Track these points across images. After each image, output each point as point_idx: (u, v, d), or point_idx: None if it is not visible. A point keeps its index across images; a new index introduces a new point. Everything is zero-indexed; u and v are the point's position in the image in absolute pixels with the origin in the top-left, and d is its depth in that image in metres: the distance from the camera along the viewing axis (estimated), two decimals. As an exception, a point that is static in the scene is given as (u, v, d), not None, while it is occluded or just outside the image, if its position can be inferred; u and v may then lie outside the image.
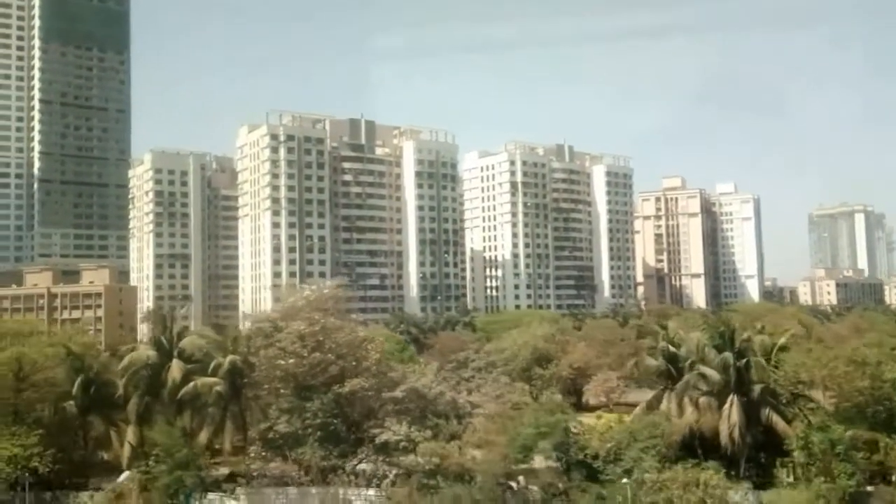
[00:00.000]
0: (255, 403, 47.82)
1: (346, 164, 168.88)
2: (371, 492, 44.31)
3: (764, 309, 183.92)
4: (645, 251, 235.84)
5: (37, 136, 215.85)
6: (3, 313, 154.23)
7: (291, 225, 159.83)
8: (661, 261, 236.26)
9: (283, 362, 46.47)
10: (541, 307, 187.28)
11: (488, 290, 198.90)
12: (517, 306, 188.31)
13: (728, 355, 43.03)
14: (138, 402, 46.93)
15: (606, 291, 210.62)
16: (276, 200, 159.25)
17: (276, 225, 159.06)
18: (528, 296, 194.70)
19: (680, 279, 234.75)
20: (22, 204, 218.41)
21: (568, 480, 42.25)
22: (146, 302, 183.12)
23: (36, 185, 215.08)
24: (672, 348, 47.81)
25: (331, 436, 44.55)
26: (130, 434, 46.95)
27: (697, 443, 42.90)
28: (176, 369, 46.68)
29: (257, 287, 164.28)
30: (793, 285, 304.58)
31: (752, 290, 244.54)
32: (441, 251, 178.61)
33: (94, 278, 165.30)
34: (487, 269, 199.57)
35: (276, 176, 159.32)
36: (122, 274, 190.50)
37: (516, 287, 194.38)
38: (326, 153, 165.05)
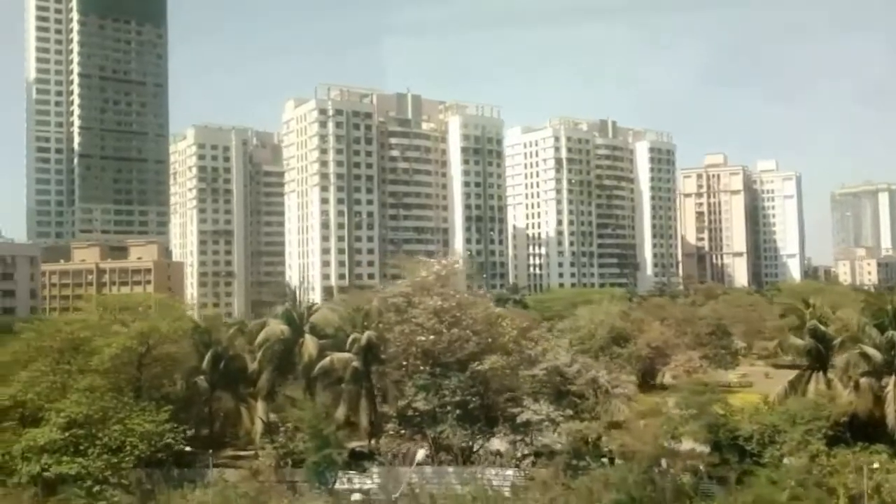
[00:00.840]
0: (389, 380, 46.86)
1: (393, 140, 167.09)
2: (510, 472, 43.26)
3: (811, 288, 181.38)
4: (686, 229, 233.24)
5: (76, 111, 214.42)
6: (52, 288, 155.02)
7: (340, 201, 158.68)
8: (702, 239, 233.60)
9: (423, 338, 45.37)
10: (584, 285, 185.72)
11: (531, 268, 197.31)
12: (561, 284, 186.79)
13: (893, 334, 41.45)
14: (270, 377, 46.00)
15: (649, 270, 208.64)
16: (324, 176, 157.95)
17: (324, 201, 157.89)
18: (573, 274, 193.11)
19: (721, 258, 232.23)
20: (62, 179, 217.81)
21: (720, 462, 40.98)
22: (191, 278, 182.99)
23: (76, 160, 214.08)
24: (821, 327, 46.22)
25: (468, 414, 43.52)
26: (261, 410, 46.13)
27: (853, 425, 41.43)
28: (310, 344, 45.65)
29: (305, 263, 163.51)
30: (825, 264, 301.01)
31: (794, 270, 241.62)
32: (487, 228, 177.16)
33: (142, 254, 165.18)
34: (530, 247, 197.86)
35: (324, 151, 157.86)
36: (164, 250, 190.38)
37: (560, 265, 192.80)
38: (374, 128, 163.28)
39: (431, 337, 45.33)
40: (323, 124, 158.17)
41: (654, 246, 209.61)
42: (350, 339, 45.96)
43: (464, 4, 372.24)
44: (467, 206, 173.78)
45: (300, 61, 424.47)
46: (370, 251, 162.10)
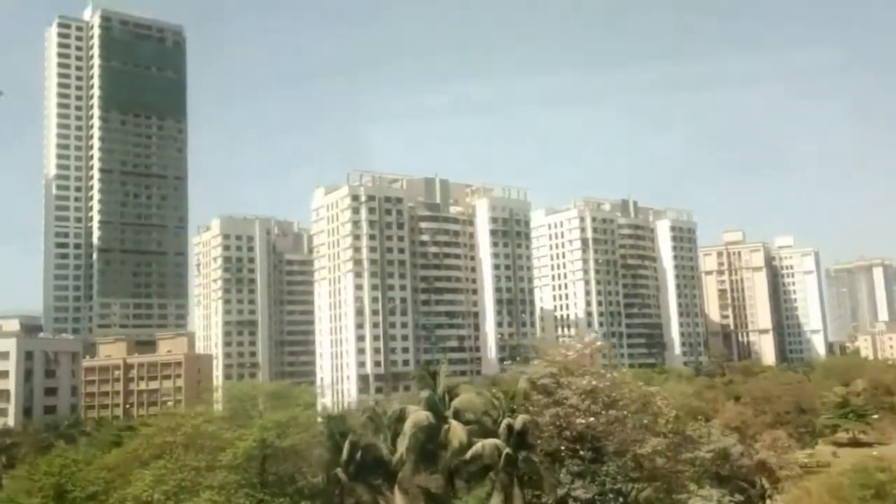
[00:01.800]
0: (542, 467, 44.11)
1: (423, 224, 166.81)
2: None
3: (847, 363, 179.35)
4: (709, 307, 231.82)
5: (96, 206, 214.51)
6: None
7: (374, 286, 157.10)
8: (727, 316, 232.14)
9: (581, 421, 42.95)
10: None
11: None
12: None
13: None
14: (413, 467, 43.21)
15: (677, 349, 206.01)
16: (358, 262, 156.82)
17: (358, 287, 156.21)
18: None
19: (747, 335, 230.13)
20: (80, 274, 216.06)
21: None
22: (216, 370, 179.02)
23: (95, 255, 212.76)
24: None
25: (631, 502, 40.77)
26: (400, 503, 43.14)
27: None
28: (458, 431, 42.92)
29: (338, 351, 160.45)
30: (837, 340, 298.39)
31: (818, 345, 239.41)
32: (518, 311, 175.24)
33: (171, 347, 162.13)
34: (559, 329, 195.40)
35: (357, 237, 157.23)
36: (192, 342, 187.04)
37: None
38: (405, 213, 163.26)
39: (590, 419, 42.98)
40: (356, 210, 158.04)
41: (682, 325, 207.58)
42: (503, 424, 43.40)
43: (474, 89, 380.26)
44: (497, 289, 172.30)
45: (315, 148, 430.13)
46: (405, 337, 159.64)
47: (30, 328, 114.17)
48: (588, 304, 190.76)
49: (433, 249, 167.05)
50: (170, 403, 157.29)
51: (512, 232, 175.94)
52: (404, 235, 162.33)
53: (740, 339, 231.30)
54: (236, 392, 55.54)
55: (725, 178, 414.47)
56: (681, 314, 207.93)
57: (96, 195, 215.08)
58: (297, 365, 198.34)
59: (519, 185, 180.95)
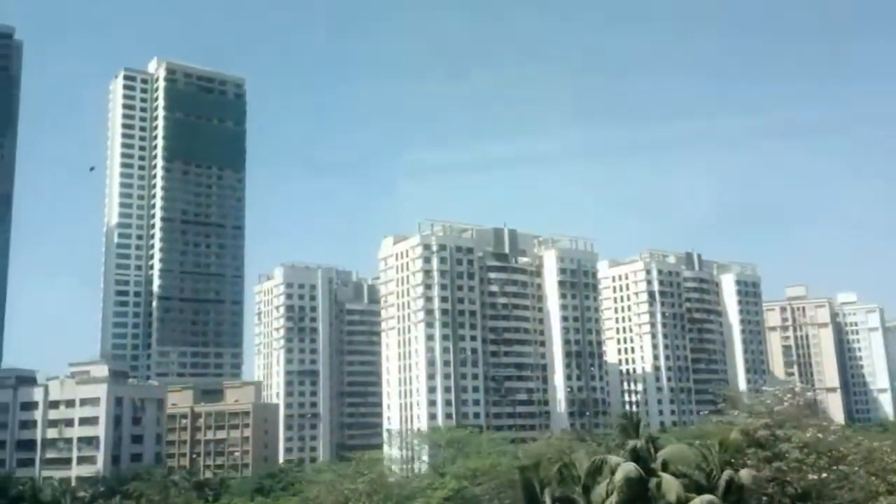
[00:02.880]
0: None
1: (492, 275, 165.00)
2: None
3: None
4: (773, 363, 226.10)
5: (157, 254, 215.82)
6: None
7: (445, 337, 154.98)
8: (791, 374, 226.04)
9: (814, 477, 40.25)
10: (684, 423, 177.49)
11: (627, 406, 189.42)
12: (661, 422, 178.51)
13: None
14: (620, 523, 40.57)
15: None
16: (429, 312, 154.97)
17: (430, 337, 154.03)
18: (672, 411, 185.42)
19: (814, 393, 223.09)
20: (139, 322, 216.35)
21: None
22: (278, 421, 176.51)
23: (155, 303, 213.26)
24: None
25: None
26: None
27: None
28: (673, 485, 40.34)
29: (407, 403, 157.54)
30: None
31: (885, 405, 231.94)
32: (587, 364, 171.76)
33: (238, 396, 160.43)
34: (624, 383, 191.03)
35: (429, 287, 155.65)
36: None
37: (660, 402, 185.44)
38: (476, 263, 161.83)
39: (813, 476, 40.22)
40: (427, 260, 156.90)
41: (749, 381, 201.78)
42: (723, 479, 40.78)
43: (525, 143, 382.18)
44: (566, 342, 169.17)
45: (371, 199, 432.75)
46: (475, 388, 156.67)
47: (117, 374, 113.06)
48: (656, 357, 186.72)
49: (502, 300, 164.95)
50: (237, 454, 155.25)
51: (580, 283, 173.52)
52: (475, 286, 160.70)
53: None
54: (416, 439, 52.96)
55: (775, 234, 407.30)
56: (748, 370, 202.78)
57: (157, 244, 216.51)
58: (356, 416, 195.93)
59: (584, 235, 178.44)
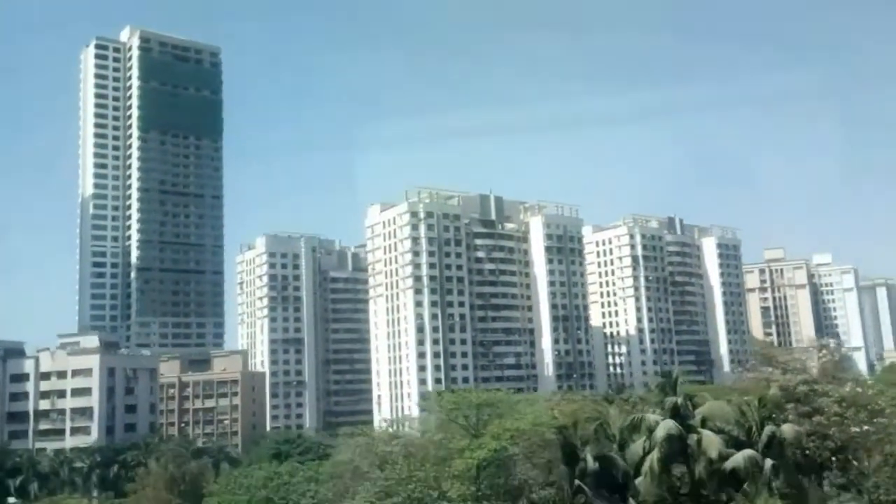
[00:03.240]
0: (803, 479, 41.47)
1: (479, 241, 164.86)
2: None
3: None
4: (752, 324, 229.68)
5: (135, 225, 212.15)
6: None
7: (434, 304, 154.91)
8: (770, 334, 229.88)
9: (856, 429, 40.67)
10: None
11: (610, 368, 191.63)
12: (645, 384, 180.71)
13: None
14: (658, 481, 40.39)
15: (726, 366, 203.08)
16: (418, 279, 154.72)
17: (418, 303, 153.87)
18: (656, 372, 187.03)
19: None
20: (117, 293, 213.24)
21: None
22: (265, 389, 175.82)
23: (134, 274, 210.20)
24: None
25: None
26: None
27: None
28: (714, 441, 40.16)
29: (396, 369, 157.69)
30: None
31: (860, 362, 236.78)
32: (574, 328, 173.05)
33: (226, 365, 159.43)
34: (608, 346, 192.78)
35: (417, 254, 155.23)
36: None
37: (643, 363, 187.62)
38: (462, 230, 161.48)
39: (854, 429, 40.75)
40: (415, 227, 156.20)
41: (730, 342, 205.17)
42: (765, 434, 40.80)
43: (503, 112, 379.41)
44: (553, 306, 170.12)
45: (349, 167, 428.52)
46: (464, 354, 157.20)
47: (108, 345, 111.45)
48: (639, 321, 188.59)
49: (489, 266, 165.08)
50: (226, 422, 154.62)
51: (566, 249, 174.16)
52: (462, 252, 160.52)
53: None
54: (448, 401, 52.61)
55: (748, 197, 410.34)
56: (729, 331, 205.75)
57: (135, 214, 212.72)
58: (342, 384, 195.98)
59: (568, 202, 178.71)
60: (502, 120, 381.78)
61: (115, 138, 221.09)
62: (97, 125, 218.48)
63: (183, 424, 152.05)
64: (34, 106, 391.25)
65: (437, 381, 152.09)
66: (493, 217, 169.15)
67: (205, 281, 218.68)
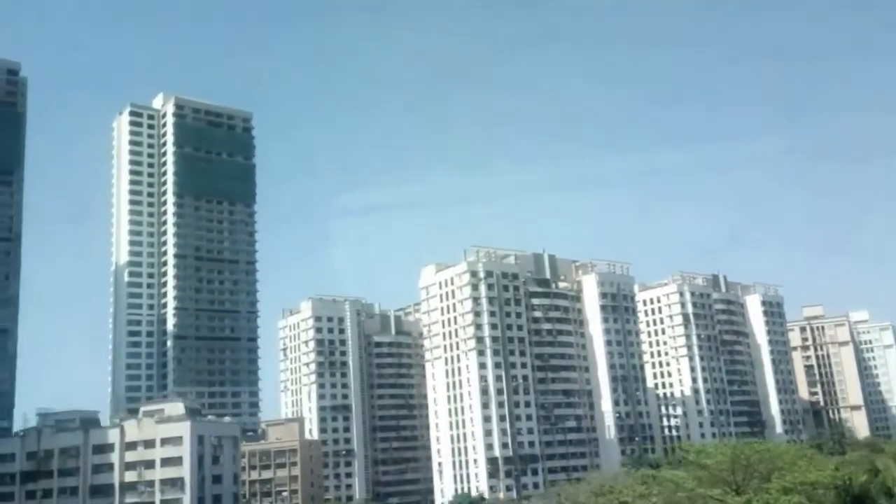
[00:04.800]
0: None
1: (535, 300, 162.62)
2: None
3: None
4: (797, 384, 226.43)
5: (171, 292, 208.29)
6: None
7: (497, 365, 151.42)
8: (815, 392, 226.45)
9: None
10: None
11: (665, 430, 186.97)
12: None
13: None
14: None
15: (778, 427, 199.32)
16: (480, 339, 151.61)
17: (482, 365, 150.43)
18: (713, 434, 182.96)
19: (838, 411, 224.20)
20: (152, 363, 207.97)
21: None
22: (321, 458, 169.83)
23: (170, 343, 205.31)
24: None
25: None
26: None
27: None
28: None
29: (458, 434, 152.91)
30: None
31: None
32: (633, 388, 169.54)
33: (281, 434, 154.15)
34: (661, 407, 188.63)
35: (478, 314, 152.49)
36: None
37: (701, 425, 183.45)
38: (521, 289, 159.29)
39: None
40: (475, 287, 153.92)
41: (781, 402, 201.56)
42: None
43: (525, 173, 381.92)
44: (611, 366, 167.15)
45: (385, 231, 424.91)
46: (528, 417, 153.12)
47: (192, 411, 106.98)
48: (694, 381, 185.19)
49: (546, 326, 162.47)
50: (285, 493, 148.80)
51: (620, 307, 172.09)
52: (522, 312, 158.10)
53: (831, 415, 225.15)
54: (721, 454, 49.05)
55: (780, 254, 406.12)
56: (779, 391, 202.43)
57: (171, 281, 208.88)
58: (389, 451, 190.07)
59: (617, 259, 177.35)
60: (528, 179, 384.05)
61: (150, 204, 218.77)
62: (132, 192, 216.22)
63: (242, 497, 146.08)
64: (66, 173, 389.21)
65: (504, 445, 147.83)
66: (548, 276, 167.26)
67: (240, 348, 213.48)
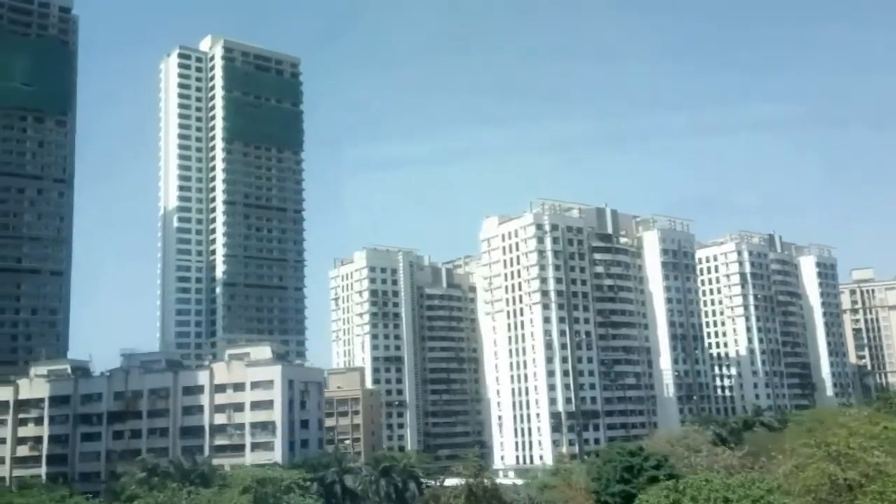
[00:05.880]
0: None
1: (597, 256, 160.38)
2: None
3: None
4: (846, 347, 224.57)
5: (220, 239, 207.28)
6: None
7: (561, 319, 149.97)
8: (863, 356, 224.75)
9: None
10: (780, 408, 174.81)
11: (718, 390, 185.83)
12: (758, 407, 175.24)
13: None
14: None
15: (829, 390, 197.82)
16: (545, 293, 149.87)
17: (546, 320, 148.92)
18: (768, 395, 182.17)
19: (885, 375, 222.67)
20: (201, 309, 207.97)
21: None
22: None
23: (220, 289, 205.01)
24: None
25: None
26: None
27: None
28: None
29: (519, 388, 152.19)
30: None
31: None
32: (692, 347, 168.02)
33: (341, 383, 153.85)
34: (715, 367, 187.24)
35: (543, 267, 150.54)
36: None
37: (755, 386, 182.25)
38: (585, 243, 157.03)
39: None
40: (540, 240, 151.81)
41: (832, 365, 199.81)
42: None
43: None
44: (671, 324, 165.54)
45: (430, 181, 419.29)
46: (591, 373, 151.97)
47: (279, 356, 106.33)
48: (749, 341, 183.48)
49: (608, 282, 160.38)
50: (347, 441, 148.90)
51: (681, 265, 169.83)
52: (585, 266, 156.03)
53: (878, 380, 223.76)
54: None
55: (831, 216, 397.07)
56: (830, 353, 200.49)
57: (220, 228, 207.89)
58: (439, 404, 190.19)
59: (678, 215, 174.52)
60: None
61: (199, 149, 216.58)
62: (181, 136, 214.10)
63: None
64: (113, 115, 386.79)
65: (568, 400, 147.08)
66: (610, 231, 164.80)
67: (287, 297, 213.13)
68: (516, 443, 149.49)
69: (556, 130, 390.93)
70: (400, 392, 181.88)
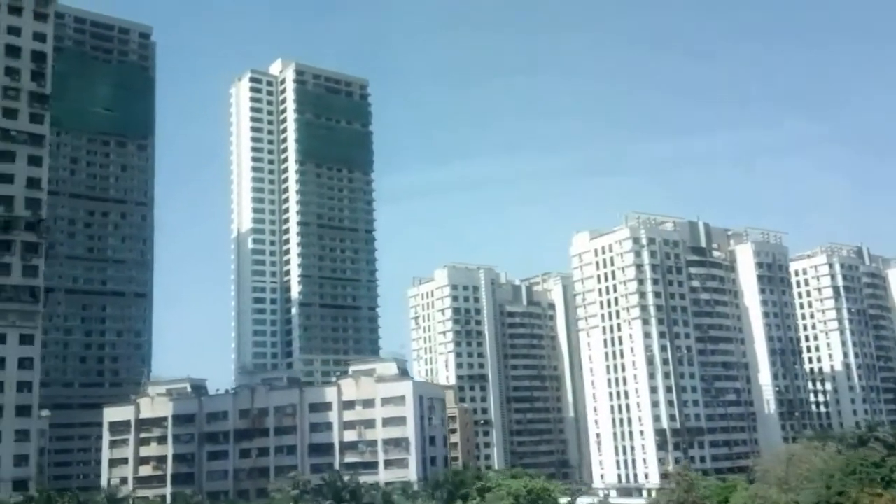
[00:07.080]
0: None
1: (692, 269, 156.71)
2: None
3: None
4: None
5: (295, 259, 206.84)
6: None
7: (662, 335, 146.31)
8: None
9: None
10: (879, 424, 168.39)
11: (813, 406, 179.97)
12: (856, 423, 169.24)
13: None
14: None
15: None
16: (644, 308, 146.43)
17: (647, 335, 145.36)
18: (865, 411, 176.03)
19: None
20: (276, 330, 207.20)
21: None
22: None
23: (295, 310, 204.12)
24: None
25: None
26: None
27: None
28: None
29: (619, 405, 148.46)
30: None
31: None
32: (791, 362, 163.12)
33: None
34: (810, 382, 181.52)
35: (642, 282, 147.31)
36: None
37: (852, 402, 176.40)
38: (682, 257, 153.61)
39: None
40: (638, 254, 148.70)
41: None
42: None
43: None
44: (770, 339, 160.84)
45: (499, 198, 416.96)
46: (693, 389, 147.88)
47: (403, 372, 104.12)
48: (845, 355, 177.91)
49: (704, 296, 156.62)
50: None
51: (776, 278, 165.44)
52: (683, 280, 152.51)
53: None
54: None
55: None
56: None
57: (294, 248, 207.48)
58: (524, 423, 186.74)
59: (772, 228, 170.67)
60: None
61: (271, 171, 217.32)
62: (254, 158, 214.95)
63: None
64: (185, 139, 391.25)
65: (672, 417, 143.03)
66: (703, 244, 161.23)
67: (361, 317, 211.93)
68: (617, 461, 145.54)
69: (621, 152, 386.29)
70: (485, 411, 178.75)
